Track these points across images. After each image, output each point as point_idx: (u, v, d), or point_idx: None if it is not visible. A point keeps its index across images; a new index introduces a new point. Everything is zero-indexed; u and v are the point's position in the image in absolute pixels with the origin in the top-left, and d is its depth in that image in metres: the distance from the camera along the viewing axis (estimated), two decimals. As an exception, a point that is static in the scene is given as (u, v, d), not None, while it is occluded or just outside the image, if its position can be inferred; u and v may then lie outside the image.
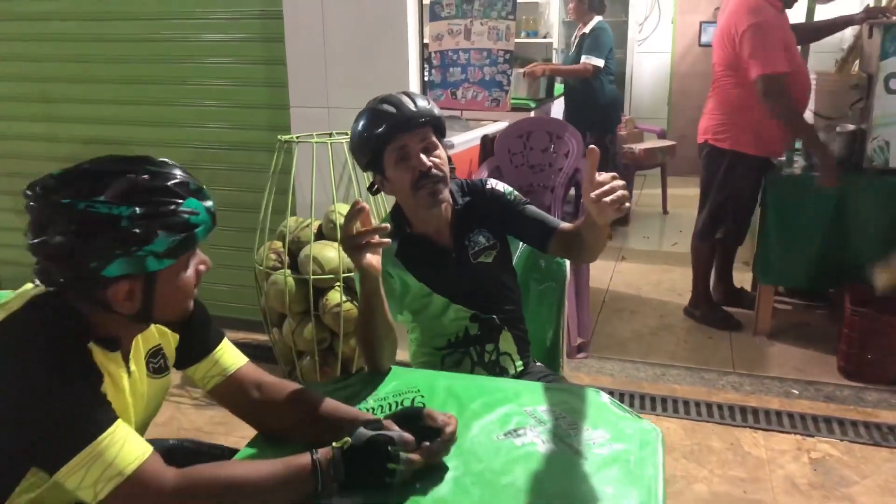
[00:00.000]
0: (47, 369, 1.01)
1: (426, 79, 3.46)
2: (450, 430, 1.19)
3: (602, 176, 1.33)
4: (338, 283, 2.67)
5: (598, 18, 4.58)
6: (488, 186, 1.76)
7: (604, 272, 3.93)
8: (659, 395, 2.73)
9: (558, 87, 4.96)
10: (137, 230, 1.02)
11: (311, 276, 2.65)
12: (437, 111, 1.63)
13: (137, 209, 1.02)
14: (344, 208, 2.73)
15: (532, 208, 1.75)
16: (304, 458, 1.11)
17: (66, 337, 1.05)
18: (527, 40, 5.98)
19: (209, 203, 1.10)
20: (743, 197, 3.22)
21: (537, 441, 1.26)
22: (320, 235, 2.82)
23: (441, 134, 1.66)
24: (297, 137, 2.75)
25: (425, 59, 3.22)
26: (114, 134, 3.39)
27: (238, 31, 3.10)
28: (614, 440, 1.25)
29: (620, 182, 1.33)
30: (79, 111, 3.44)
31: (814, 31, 3.29)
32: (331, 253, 2.70)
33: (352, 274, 2.63)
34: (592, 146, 1.34)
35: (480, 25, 3.96)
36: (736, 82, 3.09)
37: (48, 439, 1.01)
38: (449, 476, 1.17)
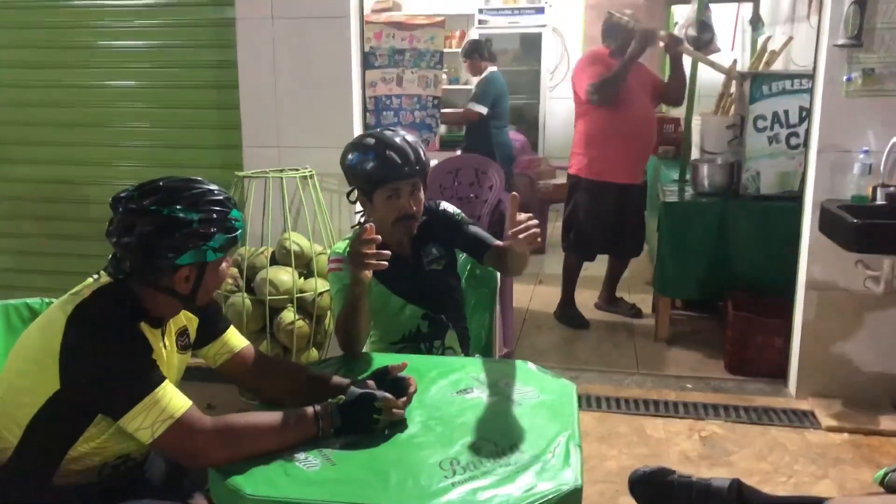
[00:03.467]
0: (114, 339, 1.33)
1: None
2: (413, 386, 1.55)
3: (520, 216, 1.72)
4: (290, 304, 2.97)
5: (491, 68, 5.10)
6: (441, 208, 2.15)
7: (524, 294, 4.38)
8: (576, 392, 3.15)
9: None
10: (203, 230, 1.36)
11: (268, 298, 2.95)
12: (427, 161, 1.99)
13: (203, 215, 1.36)
14: (296, 236, 3.05)
15: (475, 228, 2.14)
16: (308, 410, 1.44)
17: (127, 316, 1.38)
18: (449, 87, 6.47)
19: (242, 215, 1.46)
20: (581, 214, 3.90)
21: (482, 396, 1.63)
22: (273, 261, 3.12)
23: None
24: (254, 174, 3.07)
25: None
26: (69, 174, 3.61)
27: (195, 79, 3.42)
28: (541, 392, 1.64)
29: (534, 221, 1.73)
30: (28, 153, 3.66)
31: (676, 84, 4.02)
32: (284, 276, 2.99)
33: (304, 294, 2.95)
34: (514, 193, 1.75)
35: (411, 74, 4.40)
36: (579, 116, 3.93)
37: (116, 391, 1.32)
38: (416, 420, 1.52)
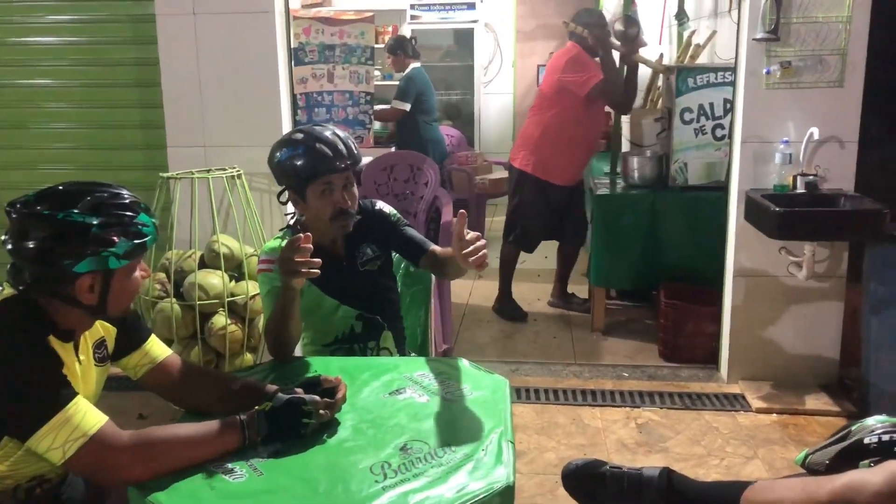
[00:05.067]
0: (18, 355, 1.26)
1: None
2: (342, 389, 1.52)
3: (469, 235, 1.67)
4: (221, 309, 2.90)
5: (414, 65, 5.10)
6: (377, 208, 2.12)
7: (464, 289, 4.38)
8: (513, 386, 3.15)
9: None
10: (103, 236, 1.29)
11: (198, 302, 2.86)
12: (359, 154, 1.96)
13: (104, 219, 1.29)
14: (225, 238, 2.97)
15: (411, 230, 2.11)
16: (233, 419, 1.39)
17: (33, 330, 1.30)
18: (384, 83, 6.41)
19: (154, 220, 1.39)
20: (528, 210, 3.89)
21: (415, 396, 1.61)
22: (202, 264, 3.04)
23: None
24: (179, 175, 2.97)
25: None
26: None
27: (115, 77, 3.29)
28: (474, 389, 1.64)
29: (482, 242, 1.67)
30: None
31: (628, 99, 4.00)
32: (214, 280, 2.91)
33: (236, 298, 2.88)
34: (462, 211, 1.72)
35: (342, 70, 4.35)
36: (536, 113, 3.87)
37: (21, 411, 1.25)
38: (347, 424, 1.50)
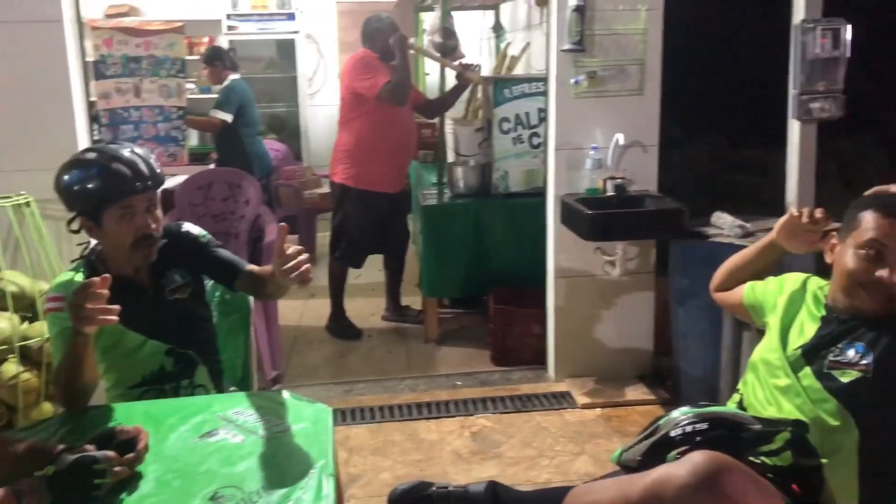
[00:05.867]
0: None
1: (95, 137, 3.47)
2: (143, 439, 1.38)
3: (291, 249, 1.59)
4: (11, 355, 2.58)
5: (232, 76, 4.91)
6: (184, 230, 1.96)
7: (294, 310, 4.23)
8: (348, 407, 3.07)
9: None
10: None
11: (-18, 349, 2.54)
12: (162, 173, 1.80)
13: None
14: (14, 275, 2.67)
15: (223, 251, 1.98)
16: (5, 491, 1.21)
17: None
18: (201, 96, 6.10)
19: None
20: (352, 223, 3.85)
21: (228, 436, 1.50)
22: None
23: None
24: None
25: (93, 117, 3.25)
26: None
27: None
28: (295, 422, 1.55)
29: (305, 256, 1.59)
30: None
31: (442, 103, 4.07)
32: (2, 323, 2.60)
33: (29, 342, 2.59)
34: (283, 224, 1.63)
35: (150, 83, 4.06)
36: (344, 124, 3.85)
37: None
38: (150, 477, 1.36)
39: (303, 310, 4.28)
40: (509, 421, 2.94)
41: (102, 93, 3.88)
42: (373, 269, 4.27)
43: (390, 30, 3.79)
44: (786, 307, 1.68)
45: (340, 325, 3.96)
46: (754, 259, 1.88)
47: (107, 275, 1.50)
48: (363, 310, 4.21)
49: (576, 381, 3.23)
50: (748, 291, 1.84)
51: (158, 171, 1.80)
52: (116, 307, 1.52)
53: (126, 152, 1.76)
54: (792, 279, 1.75)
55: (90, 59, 3.55)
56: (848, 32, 2.94)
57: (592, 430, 2.86)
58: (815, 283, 1.71)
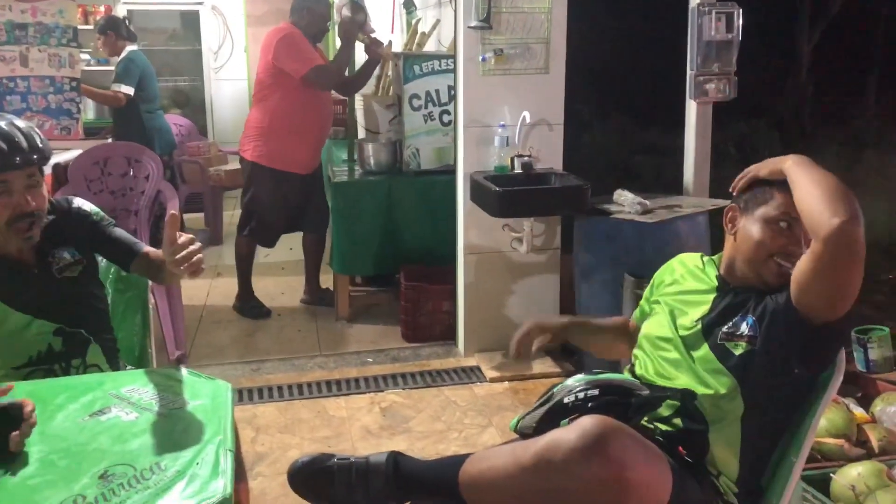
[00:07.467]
0: None
1: (-22, 108, 3.26)
2: (29, 409, 1.31)
3: (182, 239, 1.53)
4: None
5: (130, 48, 4.70)
6: (74, 206, 1.87)
7: (201, 290, 4.11)
8: (255, 386, 3.03)
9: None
10: None
11: None
12: (46, 148, 1.69)
13: None
14: None
15: (118, 230, 1.90)
16: None
17: None
18: (98, 67, 5.80)
19: None
20: (264, 202, 3.77)
21: (121, 414, 1.44)
22: None
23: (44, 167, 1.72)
24: None
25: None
26: None
27: None
28: (193, 398, 1.50)
29: (196, 246, 1.54)
30: None
31: (357, 80, 3.99)
32: None
33: None
34: (174, 212, 1.56)
35: (39, 52, 3.84)
36: (259, 101, 3.72)
37: None
38: (34, 458, 1.29)
39: (209, 288, 4.17)
40: (419, 396, 2.96)
41: (-15, 61, 3.65)
42: (283, 248, 4.20)
43: (325, 11, 3.67)
44: (668, 287, 1.69)
45: (248, 305, 3.88)
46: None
47: None
48: (272, 289, 4.14)
49: (485, 356, 3.28)
50: (637, 316, 1.85)
51: (41, 145, 1.70)
52: None
53: (3, 124, 1.66)
54: (660, 270, 1.78)
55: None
56: (740, 17, 3.08)
57: (500, 403, 2.92)
58: (690, 259, 1.73)
